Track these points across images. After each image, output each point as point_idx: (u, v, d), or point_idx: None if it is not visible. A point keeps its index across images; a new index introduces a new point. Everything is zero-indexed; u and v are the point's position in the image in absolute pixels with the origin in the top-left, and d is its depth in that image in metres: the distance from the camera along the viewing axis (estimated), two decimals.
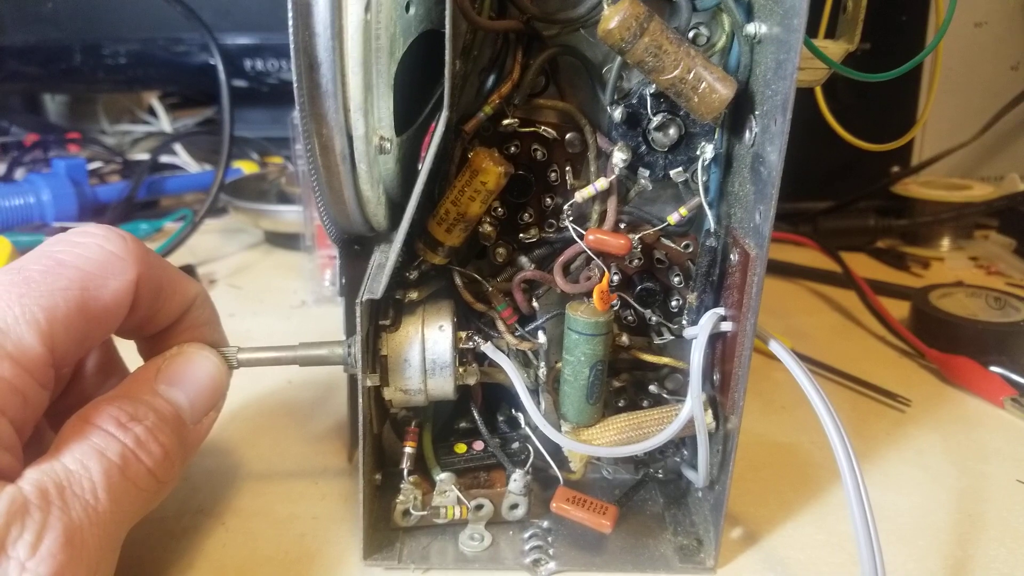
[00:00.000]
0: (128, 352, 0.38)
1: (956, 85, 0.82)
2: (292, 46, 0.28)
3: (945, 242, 0.79)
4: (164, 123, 1.16)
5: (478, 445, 0.38)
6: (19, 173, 0.90)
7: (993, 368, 0.52)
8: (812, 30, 0.46)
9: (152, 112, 1.18)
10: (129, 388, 0.32)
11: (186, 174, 0.97)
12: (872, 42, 0.77)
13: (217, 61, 0.82)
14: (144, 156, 1.00)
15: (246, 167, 0.94)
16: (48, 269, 0.29)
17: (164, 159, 0.99)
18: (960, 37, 0.81)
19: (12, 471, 0.27)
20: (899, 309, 0.62)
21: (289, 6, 0.28)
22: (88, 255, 0.31)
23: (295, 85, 0.29)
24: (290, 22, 0.28)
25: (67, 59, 1.03)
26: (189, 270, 0.69)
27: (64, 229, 0.74)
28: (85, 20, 1.02)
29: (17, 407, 0.27)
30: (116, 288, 0.31)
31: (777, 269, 0.72)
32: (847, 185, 0.82)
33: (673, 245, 0.36)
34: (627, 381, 0.39)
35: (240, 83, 1.01)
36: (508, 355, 0.36)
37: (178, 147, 1.02)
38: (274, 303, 0.66)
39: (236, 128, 0.85)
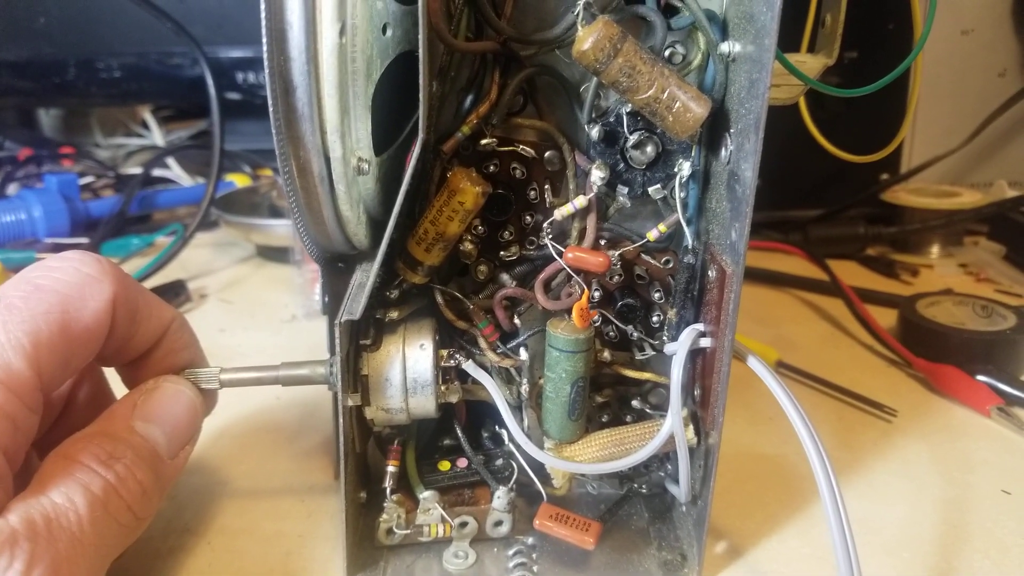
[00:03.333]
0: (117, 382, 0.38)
1: (944, 92, 0.82)
2: (267, 70, 0.29)
3: (935, 249, 0.79)
4: (157, 136, 1.16)
5: (462, 462, 0.38)
6: (12, 188, 0.90)
7: (980, 377, 0.52)
8: (794, 44, 0.46)
9: (146, 125, 1.19)
10: (106, 424, 0.32)
11: (178, 188, 0.97)
12: (859, 51, 0.77)
13: (207, 75, 0.82)
14: (137, 170, 1.01)
15: (239, 180, 0.95)
16: (28, 295, 0.30)
17: (157, 173, 0.99)
18: (947, 44, 0.81)
19: (1, 503, 0.27)
20: (887, 317, 0.62)
21: (263, 31, 0.28)
22: (65, 279, 0.31)
23: (271, 109, 0.29)
24: (264, 46, 0.28)
25: (61, 73, 1.03)
26: (180, 285, 0.69)
27: (56, 245, 0.75)
28: (78, 34, 1.02)
29: (8, 434, 0.28)
30: (95, 309, 0.31)
31: (766, 278, 0.72)
32: (836, 193, 0.82)
33: (653, 261, 0.36)
34: (610, 396, 0.39)
35: (233, 96, 1.01)
36: (490, 372, 0.36)
37: (171, 161, 1.02)
38: (265, 317, 0.67)
39: (229, 140, 0.86)
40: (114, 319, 0.32)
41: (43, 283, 0.31)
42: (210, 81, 0.82)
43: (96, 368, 0.38)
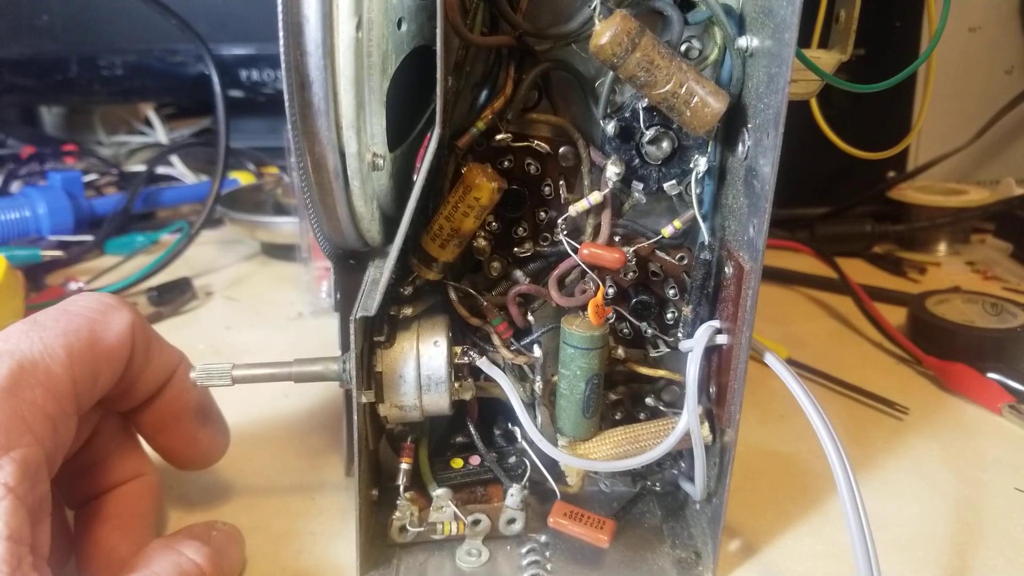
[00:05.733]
0: None
1: (951, 90, 0.82)
2: (283, 65, 0.29)
3: (942, 247, 0.79)
4: (160, 134, 1.16)
5: (475, 460, 0.38)
6: (15, 186, 0.90)
7: (991, 375, 0.52)
8: (805, 40, 0.46)
9: (149, 123, 1.18)
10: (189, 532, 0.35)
11: (182, 185, 0.97)
12: (866, 48, 0.77)
13: (212, 73, 0.82)
14: (141, 167, 1.00)
15: (243, 178, 0.94)
16: (58, 317, 0.33)
17: (161, 170, 0.99)
18: (954, 42, 0.81)
19: (44, 505, 0.29)
20: (896, 315, 0.61)
21: (280, 25, 0.28)
22: (90, 305, 0.34)
23: (287, 103, 0.29)
24: (281, 41, 0.28)
25: (63, 71, 1.03)
26: (185, 283, 0.69)
27: (60, 242, 0.75)
28: (81, 32, 1.02)
29: (50, 434, 0.29)
30: (118, 330, 0.33)
31: (774, 276, 0.72)
32: (844, 190, 0.82)
33: (668, 257, 0.36)
34: (624, 394, 0.39)
35: (236, 93, 1.01)
36: (504, 369, 0.36)
37: (174, 158, 1.02)
38: (271, 315, 0.66)
39: (232, 138, 0.85)
40: (133, 344, 0.34)
41: (70, 308, 0.33)
42: (215, 78, 0.81)
43: (117, 418, 0.38)
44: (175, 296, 0.67)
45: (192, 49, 0.99)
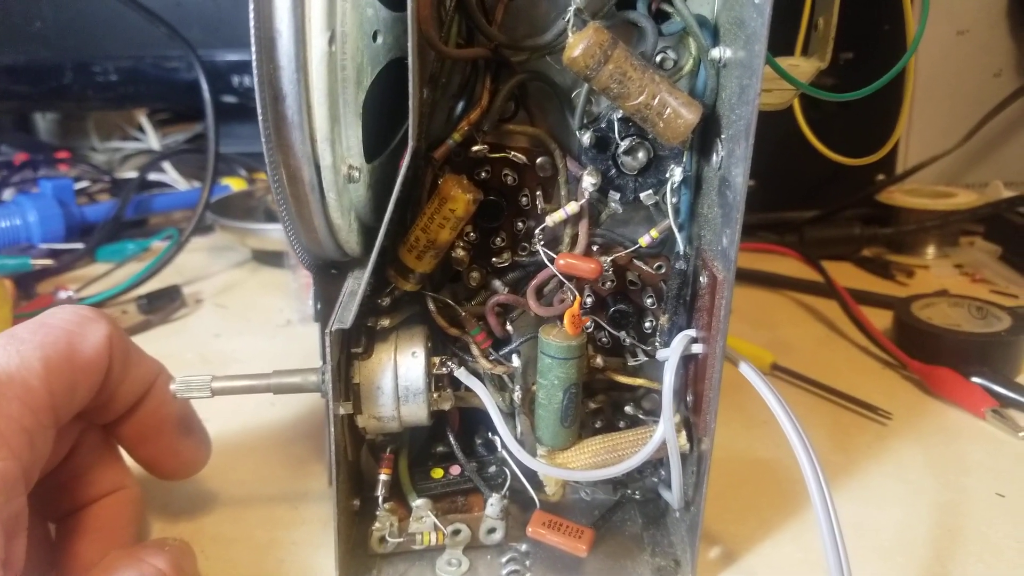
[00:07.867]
0: None
1: (940, 93, 0.82)
2: (256, 78, 0.29)
3: (930, 250, 0.79)
4: (152, 140, 1.16)
5: (455, 470, 0.38)
6: (8, 193, 0.90)
7: (975, 379, 0.52)
8: (788, 48, 0.46)
9: (142, 129, 1.18)
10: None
11: (174, 192, 0.97)
12: (854, 51, 0.77)
13: (201, 79, 0.82)
14: (133, 174, 1.00)
15: (234, 184, 0.94)
16: (35, 330, 0.33)
17: (153, 177, 0.99)
18: (943, 45, 0.81)
19: (20, 520, 0.29)
20: (882, 319, 0.62)
21: (252, 39, 0.28)
22: (67, 317, 0.34)
23: (260, 116, 0.29)
24: (253, 55, 0.28)
25: (57, 77, 1.03)
26: (175, 290, 0.69)
27: (51, 251, 0.75)
28: (74, 38, 1.02)
29: (27, 448, 0.29)
30: (95, 342, 0.34)
31: (761, 280, 0.72)
32: (832, 194, 0.82)
33: (645, 267, 0.36)
34: (604, 402, 0.39)
35: (229, 99, 1.01)
36: (483, 379, 0.36)
37: (166, 165, 1.02)
38: (260, 322, 0.66)
39: (225, 144, 0.85)
40: (111, 356, 0.34)
41: (47, 320, 0.34)
42: (204, 85, 0.81)
43: (98, 431, 0.38)
44: (165, 304, 0.67)
45: (185, 55, 0.99)
